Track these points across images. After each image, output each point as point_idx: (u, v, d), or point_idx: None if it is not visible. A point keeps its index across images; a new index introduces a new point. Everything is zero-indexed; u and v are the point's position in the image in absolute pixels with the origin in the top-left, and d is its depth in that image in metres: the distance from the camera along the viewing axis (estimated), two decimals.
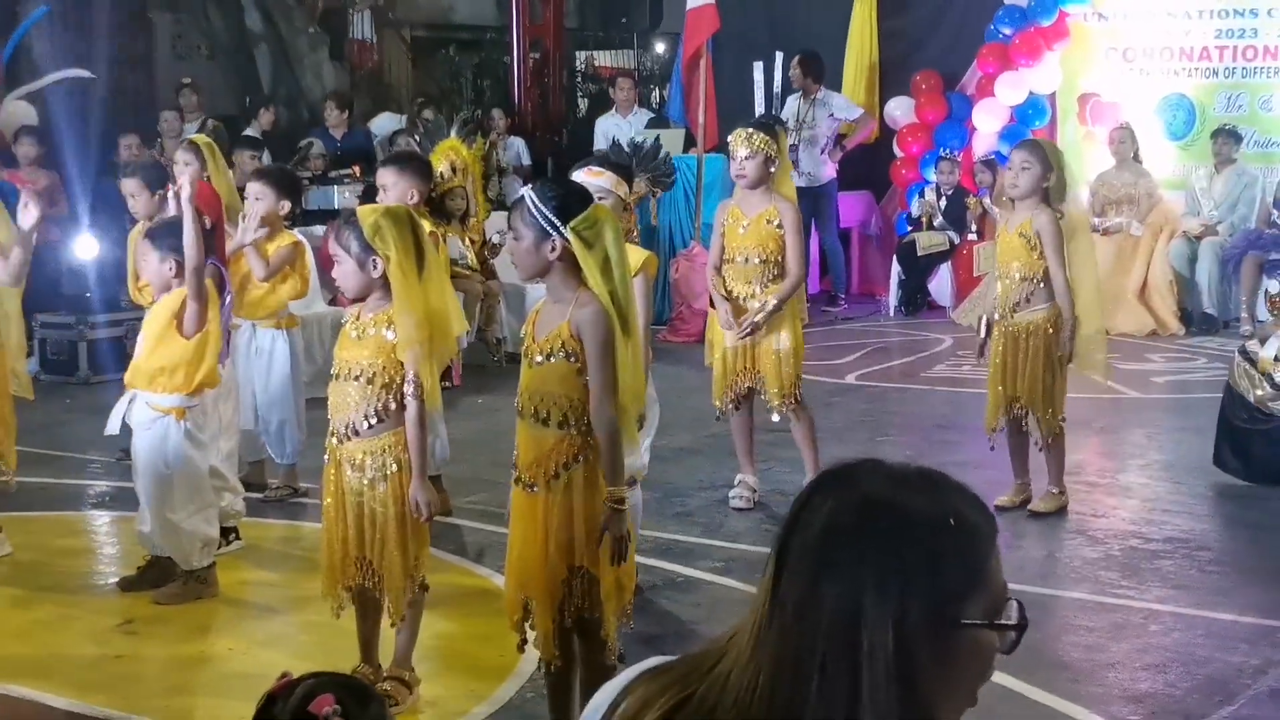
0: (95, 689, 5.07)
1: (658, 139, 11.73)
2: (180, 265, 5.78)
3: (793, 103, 13.90)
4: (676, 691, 1.73)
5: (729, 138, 7.24)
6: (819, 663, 1.64)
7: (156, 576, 6.04)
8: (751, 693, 1.67)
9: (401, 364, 4.65)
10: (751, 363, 7.08)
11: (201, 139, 7.90)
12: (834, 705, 1.63)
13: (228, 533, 6.63)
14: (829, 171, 13.88)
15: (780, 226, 6.96)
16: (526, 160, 15.06)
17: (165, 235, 5.90)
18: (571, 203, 4.26)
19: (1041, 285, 6.94)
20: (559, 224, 4.19)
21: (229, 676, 5.20)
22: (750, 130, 7.03)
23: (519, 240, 4.28)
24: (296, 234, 7.58)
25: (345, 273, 4.71)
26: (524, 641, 4.43)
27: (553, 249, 4.22)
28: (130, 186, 7.15)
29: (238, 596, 6.20)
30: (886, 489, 1.70)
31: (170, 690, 5.11)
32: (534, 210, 4.23)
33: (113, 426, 6.01)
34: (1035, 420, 7.07)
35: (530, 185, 4.47)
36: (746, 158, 6.95)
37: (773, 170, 7.03)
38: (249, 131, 13.71)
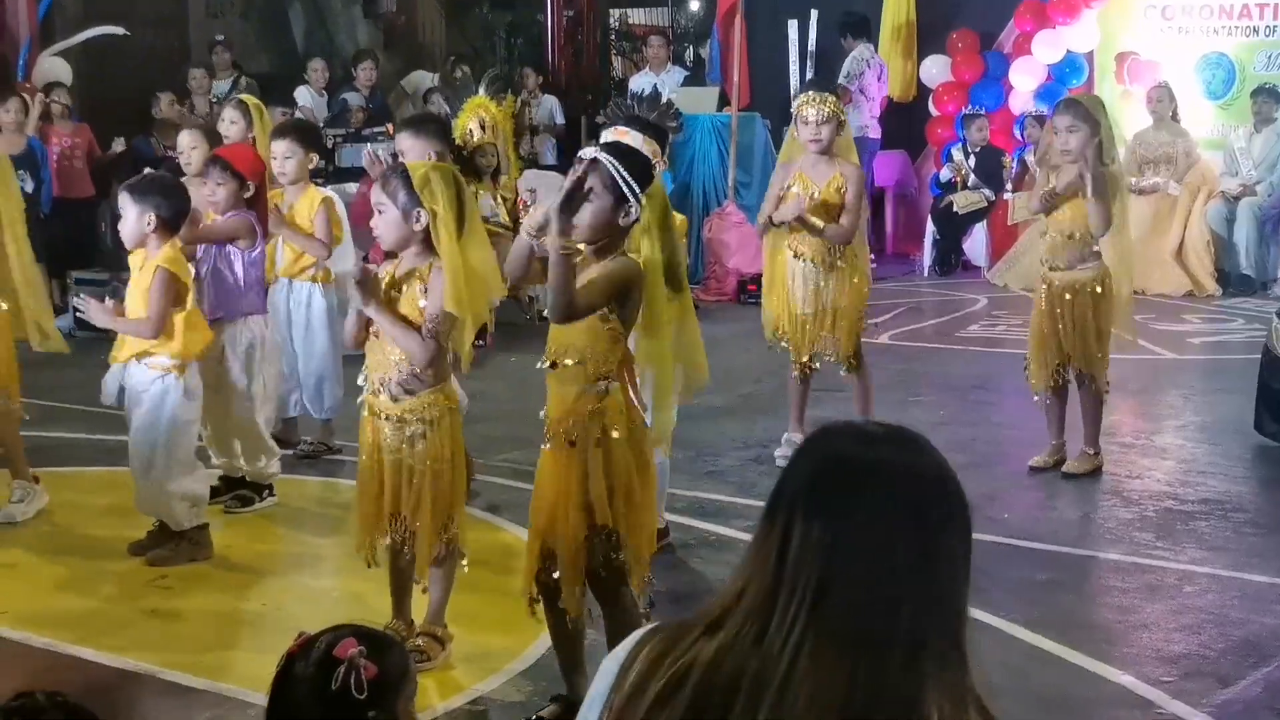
0: (131, 644, 5.10)
1: (655, 87, 11.71)
2: (161, 221, 5.76)
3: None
4: (686, 645, 1.83)
5: (797, 101, 7.11)
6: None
7: (166, 539, 6.02)
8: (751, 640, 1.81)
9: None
10: (826, 324, 7.04)
11: (251, 100, 7.90)
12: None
13: (262, 490, 6.67)
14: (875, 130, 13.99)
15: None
16: (560, 119, 15.00)
17: (148, 190, 5.84)
18: (645, 172, 4.25)
19: (1093, 244, 6.89)
20: (640, 192, 4.17)
21: (263, 633, 5.23)
22: (821, 94, 6.94)
23: (590, 201, 4.18)
24: (323, 190, 7.56)
25: (387, 223, 4.69)
26: (534, 600, 4.43)
27: (627, 215, 4.19)
28: (190, 139, 7.14)
29: (272, 553, 6.23)
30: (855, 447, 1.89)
31: (204, 646, 5.14)
32: (616, 176, 4.17)
33: (109, 396, 5.98)
34: (1086, 379, 7.01)
35: (600, 148, 4.37)
36: (822, 123, 6.85)
37: (840, 135, 6.97)
38: (303, 88, 13.70)
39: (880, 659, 1.77)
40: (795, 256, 7.04)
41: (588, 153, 4.29)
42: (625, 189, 4.16)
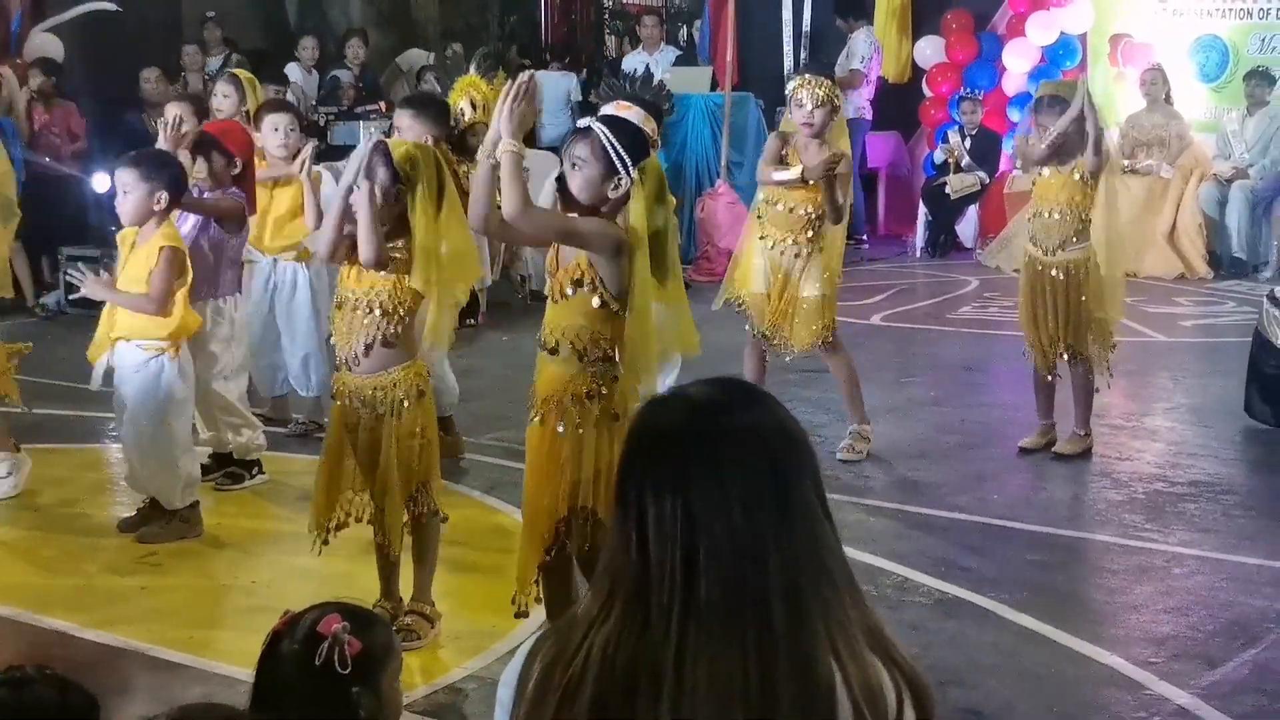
0: (120, 621, 5.10)
1: (647, 67, 11.67)
2: (171, 200, 5.74)
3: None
4: (575, 648, 1.83)
5: (792, 84, 7.05)
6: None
7: (157, 517, 6.00)
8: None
9: (402, 292, 4.66)
10: (780, 309, 6.90)
11: (244, 74, 7.88)
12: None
13: (250, 466, 6.66)
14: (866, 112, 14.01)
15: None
16: (577, 97, 14.68)
17: (157, 168, 5.81)
18: (638, 144, 4.25)
19: (1083, 224, 6.88)
20: (631, 164, 4.16)
21: (251, 610, 5.22)
22: (816, 78, 6.83)
23: (578, 169, 4.21)
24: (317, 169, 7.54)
25: (363, 200, 4.68)
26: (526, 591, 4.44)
27: (616, 187, 4.19)
28: (176, 110, 7.10)
29: (262, 530, 6.22)
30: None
31: (193, 623, 5.14)
32: (609, 146, 4.17)
33: (96, 381, 5.96)
34: (1077, 360, 6.99)
35: (596, 118, 4.38)
36: (816, 107, 6.75)
37: (834, 119, 6.87)
38: (293, 65, 13.66)
39: (764, 618, 1.77)
40: (763, 238, 6.92)
41: (583, 122, 4.31)
42: (616, 159, 4.16)
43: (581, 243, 4.18)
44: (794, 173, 6.78)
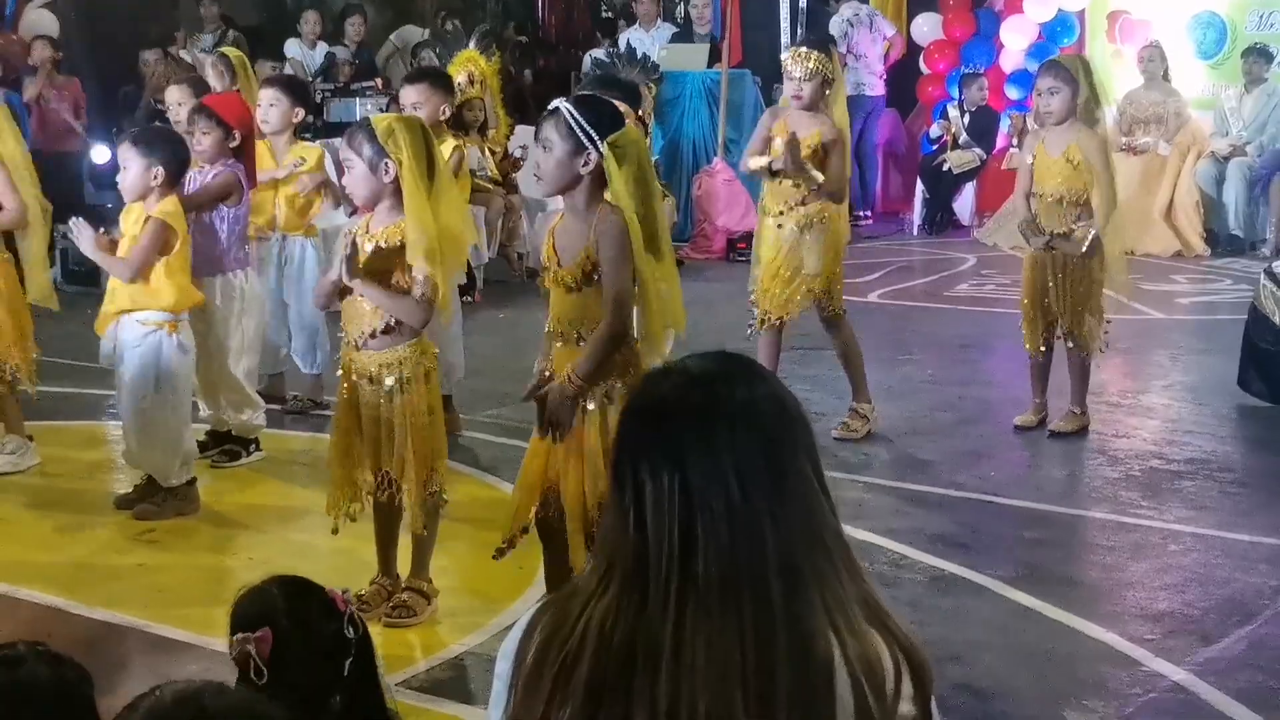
0: (118, 598, 5.10)
1: (629, 43, 11.65)
2: (168, 175, 5.75)
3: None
4: (572, 625, 1.84)
5: (784, 56, 7.07)
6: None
7: (153, 494, 6.01)
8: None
9: (400, 272, 4.65)
10: (787, 286, 6.86)
11: (234, 52, 7.88)
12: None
13: (248, 443, 6.66)
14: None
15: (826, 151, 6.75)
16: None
17: (155, 143, 5.83)
18: (608, 118, 4.24)
19: (1080, 206, 6.86)
20: (596, 138, 4.16)
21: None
22: (806, 50, 6.86)
23: (549, 150, 4.22)
24: (315, 145, 7.53)
25: (356, 178, 4.70)
26: (503, 550, 4.44)
27: (585, 163, 4.18)
28: (177, 95, 7.10)
29: (259, 507, 6.22)
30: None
31: (191, 600, 5.13)
32: (571, 122, 4.19)
33: (104, 356, 5.99)
34: (1073, 338, 6.98)
35: (565, 98, 4.43)
36: (804, 79, 6.75)
37: (828, 92, 6.84)
38: (292, 40, 13.62)
39: (762, 595, 1.77)
40: (767, 214, 6.90)
41: (552, 104, 4.32)
42: (581, 135, 4.17)
43: (629, 251, 4.16)
44: (762, 162, 6.79)
